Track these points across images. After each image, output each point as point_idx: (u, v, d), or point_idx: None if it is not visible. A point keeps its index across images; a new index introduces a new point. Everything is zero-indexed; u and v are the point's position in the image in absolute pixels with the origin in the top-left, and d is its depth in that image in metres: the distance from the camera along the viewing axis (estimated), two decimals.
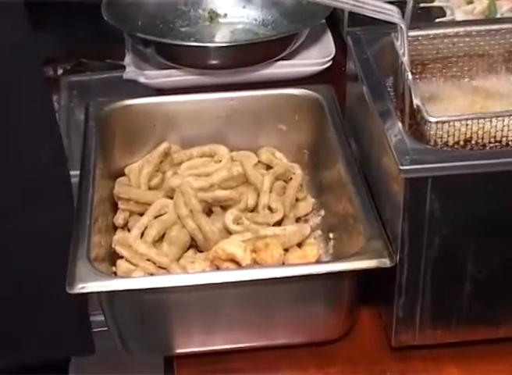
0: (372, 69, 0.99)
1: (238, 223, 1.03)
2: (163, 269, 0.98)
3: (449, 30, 1.03)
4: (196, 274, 0.95)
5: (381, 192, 0.96)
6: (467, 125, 0.88)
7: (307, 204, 1.10)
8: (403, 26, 0.93)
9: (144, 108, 1.14)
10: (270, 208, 1.06)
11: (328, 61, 1.37)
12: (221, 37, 1.46)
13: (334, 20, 1.44)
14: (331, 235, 1.05)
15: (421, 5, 1.45)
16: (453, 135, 0.89)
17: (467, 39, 1.03)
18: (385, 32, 1.01)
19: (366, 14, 0.92)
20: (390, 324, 0.95)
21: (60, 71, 1.72)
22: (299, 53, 1.40)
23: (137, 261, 0.98)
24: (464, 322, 0.94)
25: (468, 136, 0.89)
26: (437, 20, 1.41)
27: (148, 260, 0.98)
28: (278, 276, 0.89)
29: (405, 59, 0.94)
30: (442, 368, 0.96)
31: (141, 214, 1.06)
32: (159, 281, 0.90)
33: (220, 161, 1.12)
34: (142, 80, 1.35)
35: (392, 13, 0.92)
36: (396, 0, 1.05)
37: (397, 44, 0.95)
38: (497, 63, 1.04)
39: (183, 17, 1.49)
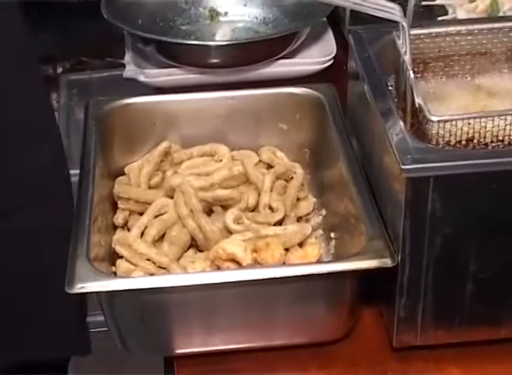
0: (374, 68, 0.99)
1: (239, 223, 1.03)
2: (163, 268, 0.98)
3: (452, 29, 1.03)
4: (196, 274, 0.94)
5: (382, 191, 0.96)
6: (469, 124, 0.88)
7: (308, 203, 1.10)
8: (404, 24, 0.93)
9: (144, 107, 1.13)
10: (271, 208, 1.06)
11: (330, 59, 1.37)
12: (221, 36, 1.46)
13: (335, 19, 1.43)
14: (332, 235, 1.05)
15: (423, 3, 1.45)
16: (455, 134, 0.88)
17: (469, 37, 1.02)
18: (386, 30, 1.01)
19: (367, 12, 0.92)
20: (392, 324, 0.95)
21: (60, 69, 1.72)
22: (300, 52, 1.40)
23: (137, 261, 0.98)
24: (466, 322, 0.94)
25: (470, 135, 0.89)
26: (439, 18, 1.41)
27: (148, 260, 0.98)
28: (278, 276, 0.89)
29: (407, 58, 0.93)
30: (443, 368, 0.96)
31: (141, 213, 1.05)
32: (159, 281, 0.90)
33: (221, 160, 1.12)
34: (142, 78, 1.35)
35: (393, 11, 0.92)
36: None
37: (399, 42, 0.95)
38: (499, 62, 1.03)
39: (184, 15, 1.49)
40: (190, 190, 1.03)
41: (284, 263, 0.98)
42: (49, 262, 1.14)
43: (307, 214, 1.09)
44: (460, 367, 0.96)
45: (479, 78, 1.03)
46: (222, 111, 1.14)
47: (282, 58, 1.36)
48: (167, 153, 1.13)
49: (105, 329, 0.95)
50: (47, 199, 1.18)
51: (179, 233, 1.02)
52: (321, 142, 1.11)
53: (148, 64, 1.38)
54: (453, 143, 0.89)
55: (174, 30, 1.46)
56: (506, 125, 0.88)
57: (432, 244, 0.88)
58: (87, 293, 0.88)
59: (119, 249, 1.00)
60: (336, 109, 1.10)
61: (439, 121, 0.88)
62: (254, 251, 0.97)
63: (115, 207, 1.08)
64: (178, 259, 1.00)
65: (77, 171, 1.04)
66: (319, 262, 0.99)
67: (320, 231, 1.07)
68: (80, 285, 0.87)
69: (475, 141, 0.89)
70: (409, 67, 0.92)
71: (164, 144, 1.12)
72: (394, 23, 0.93)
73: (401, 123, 0.90)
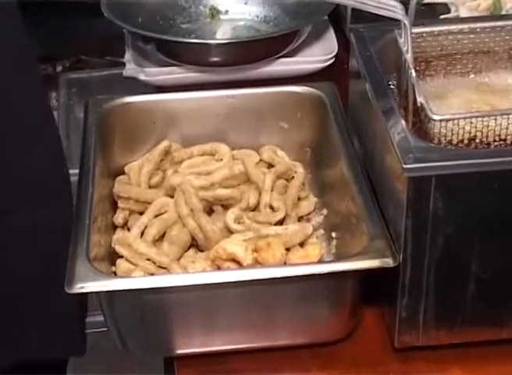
0: (375, 67, 0.98)
1: (239, 222, 1.02)
2: (163, 268, 0.98)
3: (454, 27, 1.02)
4: (196, 274, 0.94)
5: (384, 191, 0.95)
6: (471, 123, 0.88)
7: (310, 203, 1.09)
8: (406, 22, 0.93)
9: (144, 105, 1.13)
10: (272, 207, 1.06)
11: (331, 58, 1.36)
12: (222, 34, 1.46)
13: (337, 17, 1.43)
14: (333, 234, 1.04)
15: (425, 1, 1.44)
16: (457, 133, 0.88)
17: (471, 36, 1.02)
18: (388, 29, 1.01)
19: (369, 10, 0.92)
20: (393, 325, 0.94)
21: (59, 68, 1.72)
22: (301, 50, 1.40)
23: (137, 260, 0.98)
24: (468, 322, 0.94)
25: (473, 134, 0.88)
26: (441, 17, 1.41)
27: (148, 260, 0.98)
28: (279, 276, 0.89)
29: (409, 56, 0.93)
30: (445, 369, 0.96)
31: (141, 213, 1.05)
32: (159, 281, 0.90)
33: (221, 159, 1.11)
34: (142, 77, 1.35)
35: (395, 10, 0.92)
36: None
37: (401, 41, 0.95)
38: (502, 60, 1.03)
39: (184, 14, 1.49)
40: (191, 189, 1.03)
41: (285, 263, 0.98)
42: (49, 261, 1.14)
43: (308, 213, 1.09)
44: (462, 368, 0.96)
45: (481, 77, 1.03)
46: (222, 110, 1.14)
47: (283, 56, 1.36)
48: (167, 152, 1.12)
49: (105, 329, 0.95)
50: (46, 199, 1.18)
51: (179, 233, 1.01)
52: (323, 141, 1.11)
53: (148, 63, 1.38)
54: (455, 142, 0.89)
55: (174, 29, 1.46)
56: (508, 124, 0.88)
57: (433, 244, 0.88)
58: (86, 293, 0.87)
59: (119, 249, 0.99)
60: (337, 108, 1.09)
61: (441, 120, 0.87)
62: (255, 250, 0.97)
63: (115, 206, 1.08)
64: (178, 259, 1.00)
65: (77, 170, 1.04)
66: (320, 262, 0.99)
67: (321, 231, 1.07)
68: (79, 285, 0.87)
69: (477, 140, 0.89)
70: (411, 66, 0.92)
71: (164, 143, 1.12)
72: (396, 22, 0.93)
73: (403, 122, 0.90)
